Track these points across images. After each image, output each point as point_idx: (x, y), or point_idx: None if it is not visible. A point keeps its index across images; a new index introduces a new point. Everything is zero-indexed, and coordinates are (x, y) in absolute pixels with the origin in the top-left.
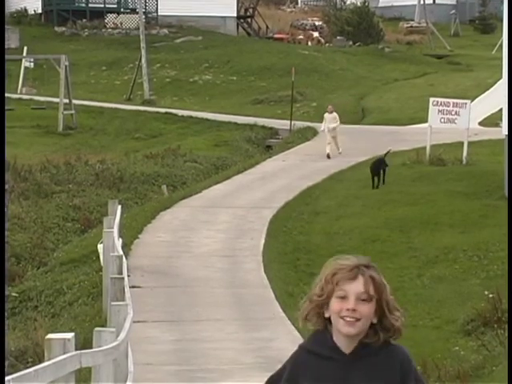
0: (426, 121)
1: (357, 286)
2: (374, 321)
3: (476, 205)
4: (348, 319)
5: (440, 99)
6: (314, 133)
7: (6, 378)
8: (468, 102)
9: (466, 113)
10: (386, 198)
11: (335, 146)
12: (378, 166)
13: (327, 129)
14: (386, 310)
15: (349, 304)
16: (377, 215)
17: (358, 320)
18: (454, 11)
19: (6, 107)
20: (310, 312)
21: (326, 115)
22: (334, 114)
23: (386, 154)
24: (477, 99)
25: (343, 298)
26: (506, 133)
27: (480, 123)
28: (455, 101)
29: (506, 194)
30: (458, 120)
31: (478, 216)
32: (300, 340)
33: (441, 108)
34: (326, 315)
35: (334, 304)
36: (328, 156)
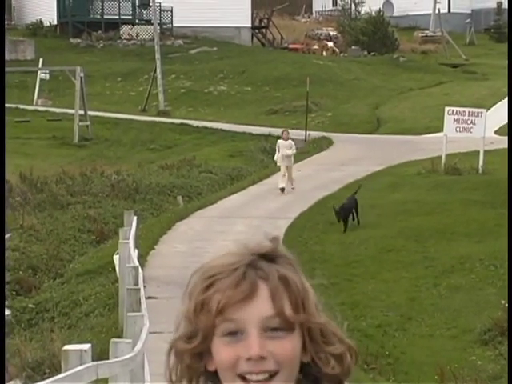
0: (441, 130)
1: (257, 307)
2: (305, 359)
3: (492, 214)
4: (253, 378)
5: (455, 108)
6: (329, 143)
7: None
8: (484, 110)
9: (481, 122)
10: (401, 208)
11: (288, 179)
12: (349, 208)
13: (281, 157)
14: (308, 341)
15: (249, 348)
16: (392, 225)
17: (273, 376)
18: (469, 20)
19: (22, 119)
20: (183, 373)
21: (280, 142)
22: (290, 141)
23: (356, 192)
24: (492, 108)
25: (235, 334)
26: None
27: (496, 132)
28: (471, 110)
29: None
30: (474, 129)
31: (494, 225)
32: None
33: (456, 117)
34: (210, 368)
35: (221, 351)
36: (282, 190)
